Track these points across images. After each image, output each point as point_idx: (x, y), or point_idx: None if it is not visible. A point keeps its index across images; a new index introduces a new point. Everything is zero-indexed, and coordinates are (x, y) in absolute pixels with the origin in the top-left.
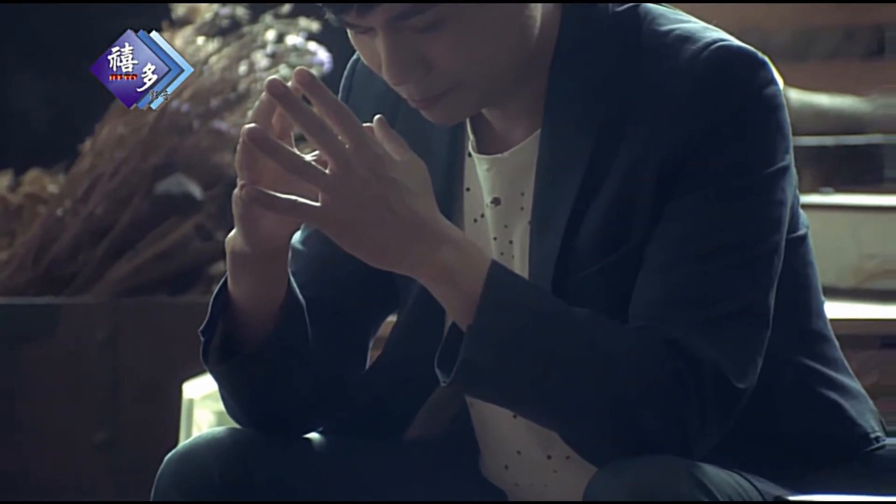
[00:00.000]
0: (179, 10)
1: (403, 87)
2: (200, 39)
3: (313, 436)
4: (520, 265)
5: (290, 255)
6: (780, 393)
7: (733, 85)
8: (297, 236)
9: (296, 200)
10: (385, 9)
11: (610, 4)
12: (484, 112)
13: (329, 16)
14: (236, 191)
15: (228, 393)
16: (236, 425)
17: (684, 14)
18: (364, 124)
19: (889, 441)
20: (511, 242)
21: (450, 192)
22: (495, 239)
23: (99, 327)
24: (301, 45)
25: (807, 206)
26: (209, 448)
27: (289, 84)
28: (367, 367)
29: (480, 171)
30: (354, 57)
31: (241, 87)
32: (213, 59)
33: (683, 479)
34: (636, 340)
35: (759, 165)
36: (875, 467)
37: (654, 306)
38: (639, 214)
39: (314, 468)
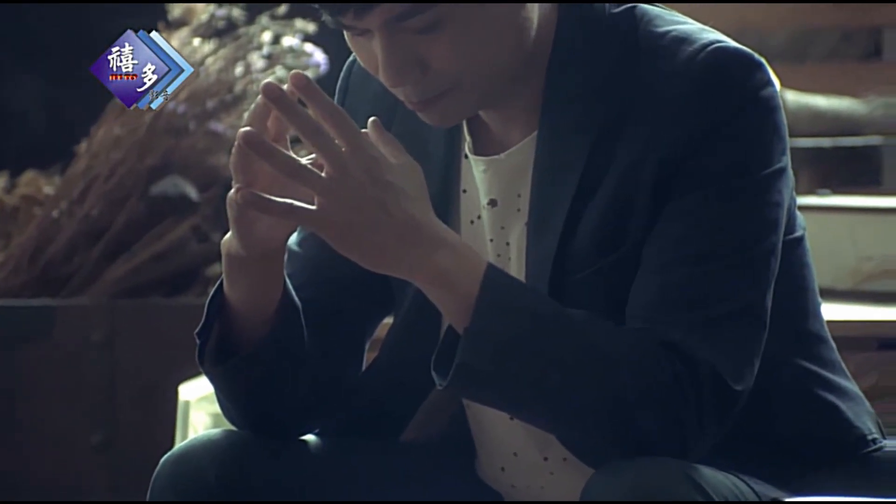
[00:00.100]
0: (176, 11)
1: (400, 88)
2: (196, 41)
3: (309, 438)
4: (516, 267)
5: (286, 256)
6: (778, 395)
7: (730, 86)
8: (293, 238)
9: (291, 204)
10: (382, 10)
11: (606, 5)
12: (481, 113)
13: (326, 17)
14: (231, 193)
15: (224, 395)
16: (232, 427)
17: (680, 15)
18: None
19: (887, 443)
20: (508, 244)
21: (446, 194)
22: (492, 240)
23: (95, 329)
24: (297, 47)
25: (804, 208)
26: (205, 450)
27: (284, 87)
28: (364, 369)
29: (477, 172)
30: (351, 58)
31: (238, 88)
32: (210, 60)
33: (680, 480)
34: (634, 342)
35: (755, 167)
36: (872, 469)
37: (651, 307)
38: (636, 216)
39: (310, 470)
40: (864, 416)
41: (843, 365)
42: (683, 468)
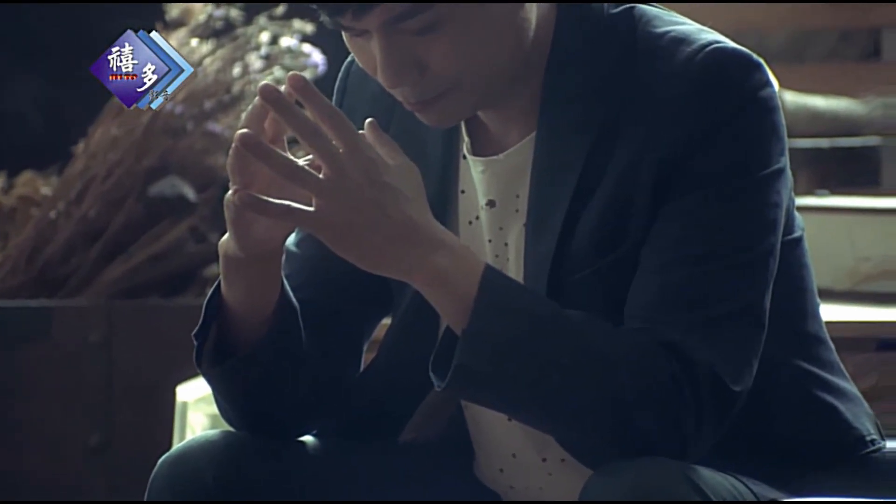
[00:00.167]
0: (173, 11)
1: (399, 89)
2: (194, 41)
3: (307, 439)
4: (515, 267)
5: (283, 257)
6: (776, 396)
7: (729, 87)
8: (291, 238)
9: (289, 205)
10: (381, 11)
11: (605, 6)
12: (479, 114)
13: (324, 18)
14: (228, 195)
15: (222, 396)
16: (230, 428)
17: (679, 16)
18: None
19: (886, 444)
20: (506, 245)
21: (444, 195)
22: (490, 241)
23: (93, 330)
24: (295, 47)
25: (802, 209)
26: (203, 451)
27: (282, 88)
28: (362, 370)
29: (475, 173)
30: (349, 59)
31: (235, 89)
32: (207, 60)
33: (679, 481)
34: (633, 342)
35: (754, 167)
36: (871, 470)
37: (650, 308)
38: (634, 216)
39: (308, 471)
40: (862, 417)
41: (842, 366)
42: (682, 469)
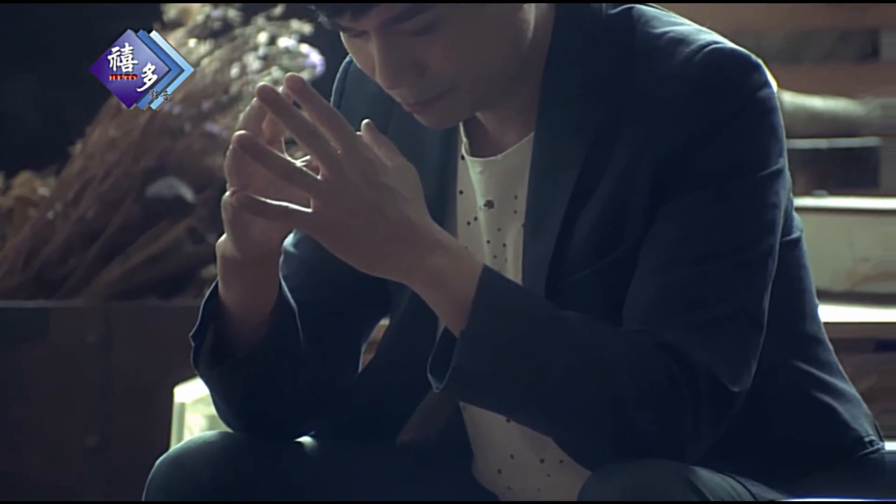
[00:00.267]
0: (171, 11)
1: (397, 90)
2: (192, 42)
3: (305, 440)
4: (513, 268)
5: (281, 258)
6: (775, 396)
7: (727, 88)
8: (289, 239)
9: (287, 206)
10: (379, 12)
11: (603, 6)
12: (477, 115)
13: (322, 19)
14: (226, 196)
15: (219, 397)
16: (228, 429)
17: (677, 16)
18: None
19: (884, 445)
20: (504, 245)
21: (443, 196)
22: (488, 242)
23: (90, 331)
24: (293, 48)
25: (800, 210)
26: (200, 452)
27: (279, 89)
28: (360, 370)
29: (473, 173)
30: (347, 60)
31: (233, 89)
32: (205, 61)
33: (677, 481)
34: (631, 343)
35: (753, 168)
36: (869, 471)
37: (649, 309)
38: (633, 217)
39: (306, 471)
40: (861, 418)
41: (841, 367)
42: (680, 469)
